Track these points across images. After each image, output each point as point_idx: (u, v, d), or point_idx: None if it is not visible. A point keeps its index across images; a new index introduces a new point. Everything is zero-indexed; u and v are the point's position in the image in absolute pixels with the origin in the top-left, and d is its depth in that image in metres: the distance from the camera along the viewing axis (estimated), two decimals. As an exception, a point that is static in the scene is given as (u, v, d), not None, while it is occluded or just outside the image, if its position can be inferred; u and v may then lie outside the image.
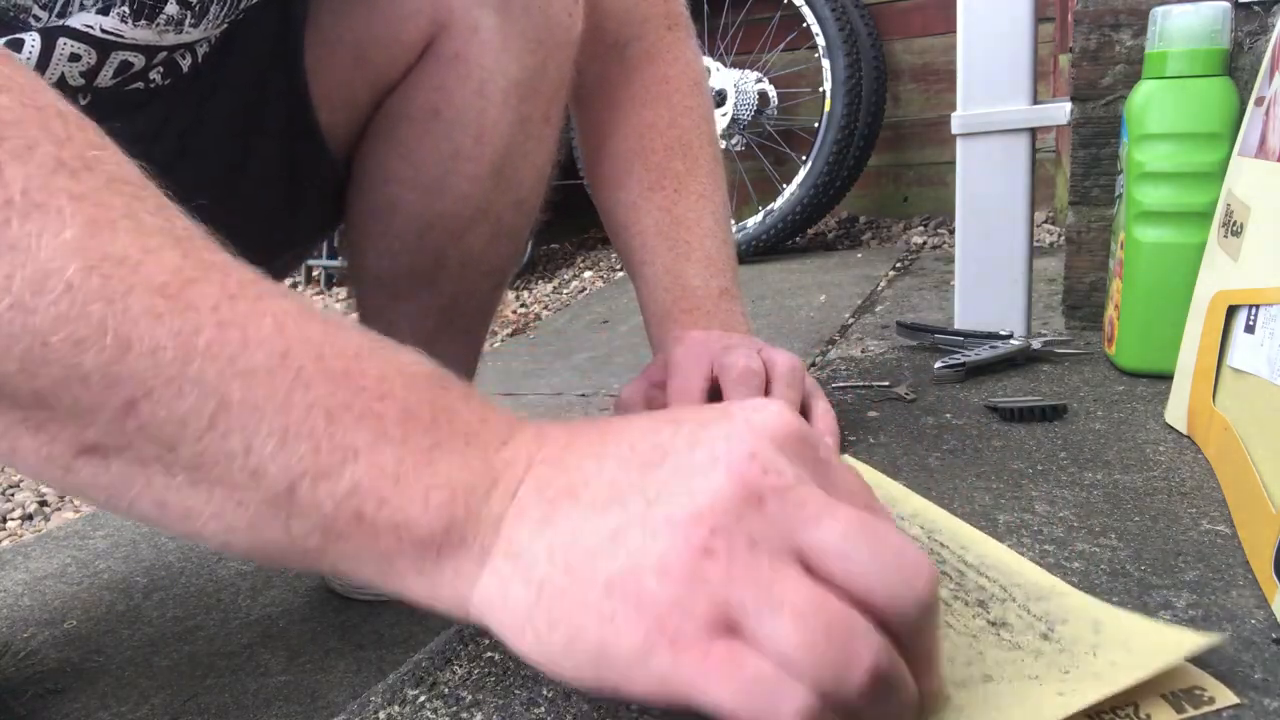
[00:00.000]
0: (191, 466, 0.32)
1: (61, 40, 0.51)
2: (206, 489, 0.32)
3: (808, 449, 0.33)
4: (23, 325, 0.30)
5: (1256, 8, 0.79)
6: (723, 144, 2.31)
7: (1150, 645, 0.35)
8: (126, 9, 0.51)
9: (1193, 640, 0.35)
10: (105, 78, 0.55)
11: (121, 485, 0.33)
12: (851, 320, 1.44)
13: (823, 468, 0.33)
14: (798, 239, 2.28)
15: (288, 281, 2.55)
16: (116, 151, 0.34)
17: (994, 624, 0.38)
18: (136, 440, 0.31)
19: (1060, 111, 0.94)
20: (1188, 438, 0.62)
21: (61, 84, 0.53)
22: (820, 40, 2.14)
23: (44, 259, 0.30)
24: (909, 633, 0.30)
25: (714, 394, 0.61)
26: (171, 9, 0.53)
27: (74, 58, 0.52)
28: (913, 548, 0.31)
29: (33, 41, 0.50)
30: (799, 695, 0.28)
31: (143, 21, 0.53)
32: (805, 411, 0.62)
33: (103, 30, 0.51)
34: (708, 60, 2.32)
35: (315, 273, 2.60)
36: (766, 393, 0.60)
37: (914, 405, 0.73)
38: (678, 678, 0.29)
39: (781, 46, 2.35)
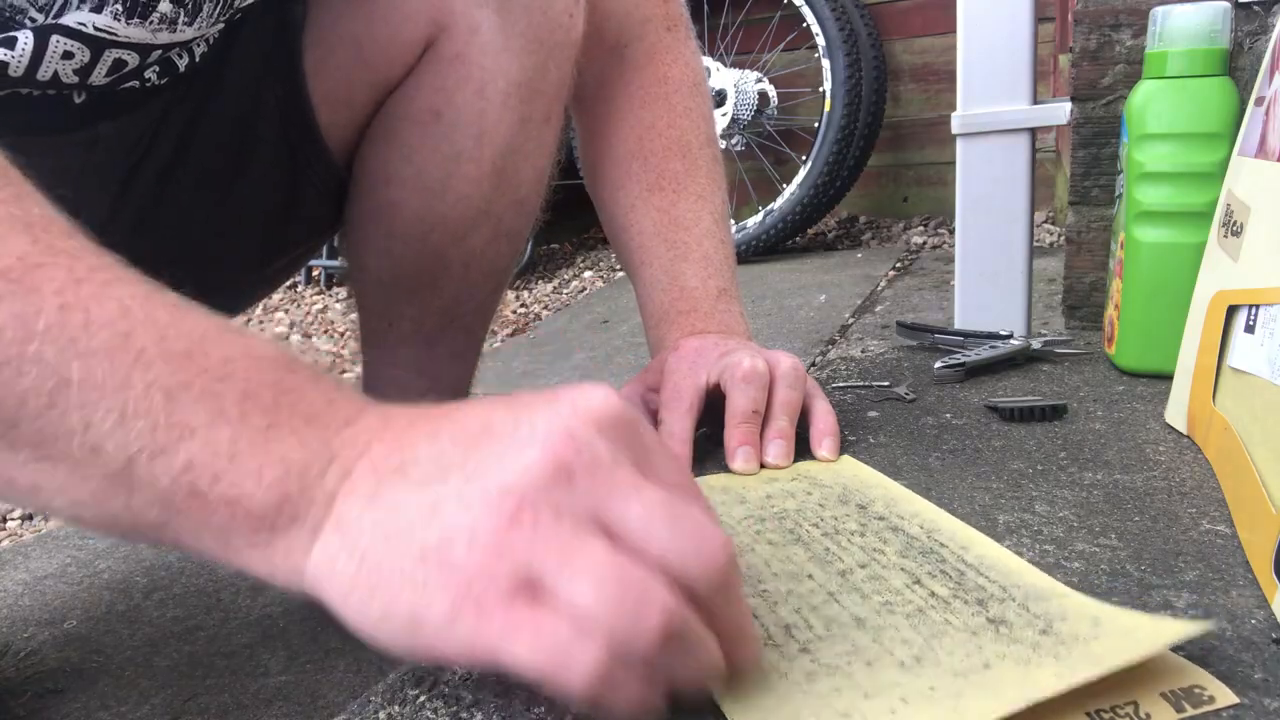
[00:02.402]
0: (34, 444, 0.33)
1: (55, 38, 0.51)
2: (50, 465, 0.33)
3: (629, 433, 0.35)
4: None
5: (1256, 8, 0.79)
6: (723, 144, 2.31)
7: (1148, 634, 0.35)
8: (119, 6, 0.51)
9: (1190, 626, 0.35)
10: (99, 76, 0.55)
11: None
12: (851, 320, 1.44)
13: (642, 451, 0.35)
14: (798, 239, 2.28)
15: (288, 282, 2.56)
16: None
17: (993, 621, 0.38)
18: None
19: (1060, 111, 0.94)
20: (1188, 438, 0.62)
21: (56, 81, 0.53)
22: (820, 40, 2.14)
23: None
24: (709, 601, 0.32)
25: (709, 401, 0.61)
26: (164, 7, 0.53)
27: (67, 55, 0.52)
28: (712, 525, 0.33)
29: (25, 39, 0.50)
30: (591, 651, 0.30)
31: (135, 19, 0.52)
32: (806, 412, 0.62)
33: (96, 28, 0.51)
34: (708, 60, 2.32)
35: (315, 273, 2.60)
36: (769, 393, 0.60)
37: (914, 405, 0.73)
38: (481, 639, 0.31)
39: (781, 46, 2.35)
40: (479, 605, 0.31)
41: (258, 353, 0.36)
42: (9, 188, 0.35)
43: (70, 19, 0.51)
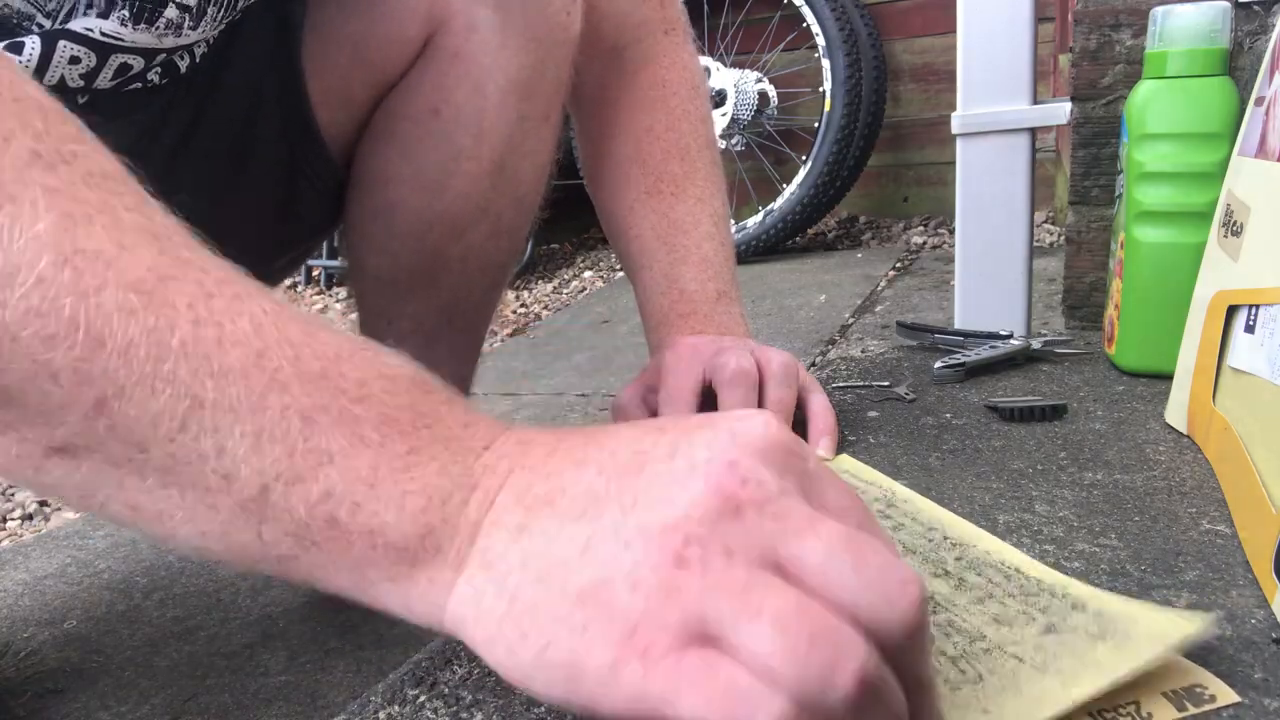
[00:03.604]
0: (163, 469, 0.31)
1: (62, 43, 0.51)
2: (179, 492, 0.31)
3: (795, 461, 0.32)
4: None
5: (1256, 8, 0.79)
6: (722, 144, 2.31)
7: (1150, 633, 0.35)
8: (126, 12, 0.51)
9: (1191, 625, 0.35)
10: (104, 80, 0.55)
11: (93, 486, 0.32)
12: (851, 320, 1.44)
13: (811, 481, 0.32)
14: (798, 239, 2.28)
15: (288, 281, 2.56)
16: (98, 147, 0.33)
17: (996, 620, 0.38)
18: (108, 440, 0.31)
19: (1060, 111, 0.94)
20: (1188, 438, 0.62)
21: (61, 86, 0.53)
22: (820, 40, 2.14)
23: (15, 251, 0.29)
24: (895, 651, 0.28)
25: (708, 397, 0.61)
26: (171, 12, 0.53)
27: (74, 60, 0.52)
28: (901, 565, 0.29)
29: (33, 44, 0.50)
30: (777, 704, 0.26)
31: (142, 25, 0.53)
32: (802, 408, 0.62)
33: (102, 34, 0.52)
34: (707, 60, 2.32)
35: (315, 273, 2.60)
36: (760, 392, 0.60)
37: (914, 405, 0.73)
38: (649, 691, 0.28)
39: (781, 46, 2.35)
40: (645, 654, 0.28)
41: (392, 373, 0.34)
42: (130, 194, 0.33)
43: (77, 24, 0.51)
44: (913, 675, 0.29)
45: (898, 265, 1.92)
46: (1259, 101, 0.61)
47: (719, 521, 0.29)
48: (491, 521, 0.32)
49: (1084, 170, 0.93)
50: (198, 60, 0.61)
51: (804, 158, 2.17)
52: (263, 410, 0.31)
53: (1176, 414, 0.64)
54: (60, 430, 0.31)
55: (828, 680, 0.26)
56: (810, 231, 2.36)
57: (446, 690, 0.39)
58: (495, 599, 0.31)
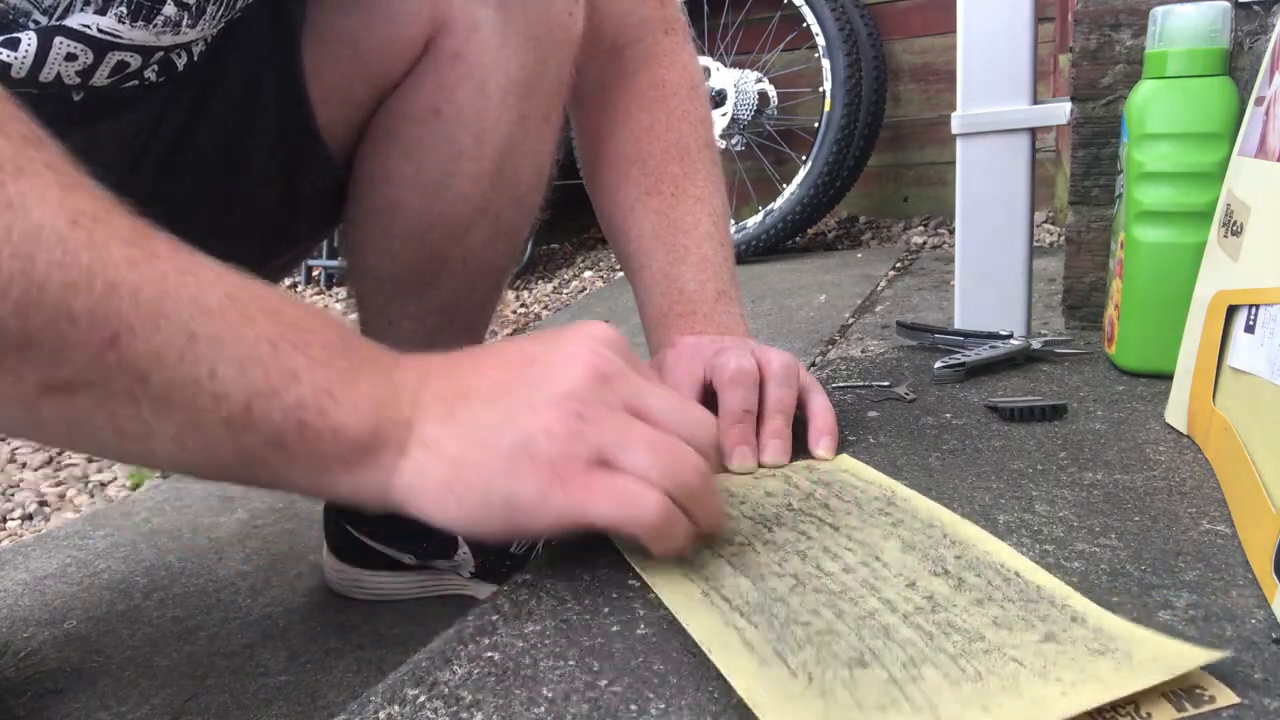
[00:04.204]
0: (159, 395, 0.37)
1: (58, 40, 0.51)
2: (169, 413, 0.37)
3: (626, 351, 0.46)
4: (21, 271, 0.34)
5: (1256, 8, 0.79)
6: (722, 144, 2.31)
7: (1153, 657, 0.35)
8: (124, 9, 0.51)
9: (1195, 656, 0.35)
10: (101, 77, 0.55)
11: (83, 418, 0.37)
12: (851, 320, 1.44)
13: (637, 364, 0.46)
14: (798, 239, 2.28)
15: (287, 281, 2.56)
16: (45, 131, 0.38)
17: (995, 623, 0.38)
18: (113, 374, 0.36)
19: (1060, 111, 0.94)
20: (1188, 438, 0.62)
21: (57, 83, 0.53)
22: (820, 40, 2.14)
23: (37, 215, 0.35)
24: (709, 460, 0.44)
25: (708, 397, 0.61)
26: (169, 10, 0.53)
27: (70, 57, 0.52)
28: (702, 409, 0.46)
29: (29, 41, 0.50)
30: (656, 496, 0.41)
31: (140, 22, 0.52)
32: (802, 408, 0.62)
33: (100, 30, 0.51)
34: (707, 60, 2.32)
35: (315, 273, 2.59)
36: (761, 391, 0.60)
37: (914, 405, 0.73)
38: (570, 505, 0.40)
39: (781, 46, 2.35)
40: (564, 481, 0.40)
41: (316, 312, 0.42)
42: (85, 172, 0.39)
43: (74, 21, 0.51)
44: (716, 469, 0.46)
45: (898, 265, 1.92)
46: (1259, 101, 0.61)
47: (596, 388, 0.42)
48: (422, 414, 0.42)
49: (1084, 170, 0.93)
50: (196, 59, 0.61)
51: (804, 158, 2.17)
52: (241, 340, 0.38)
53: (1176, 414, 0.64)
54: (65, 369, 0.35)
55: (682, 476, 0.42)
56: (810, 231, 2.36)
57: (446, 690, 0.39)
58: (439, 467, 0.41)
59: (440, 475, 0.41)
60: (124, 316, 0.36)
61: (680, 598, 0.43)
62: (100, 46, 0.52)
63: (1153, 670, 0.34)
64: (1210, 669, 0.35)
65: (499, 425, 0.41)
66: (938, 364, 0.79)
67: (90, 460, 1.50)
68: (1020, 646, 0.36)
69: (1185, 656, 0.35)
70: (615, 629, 0.43)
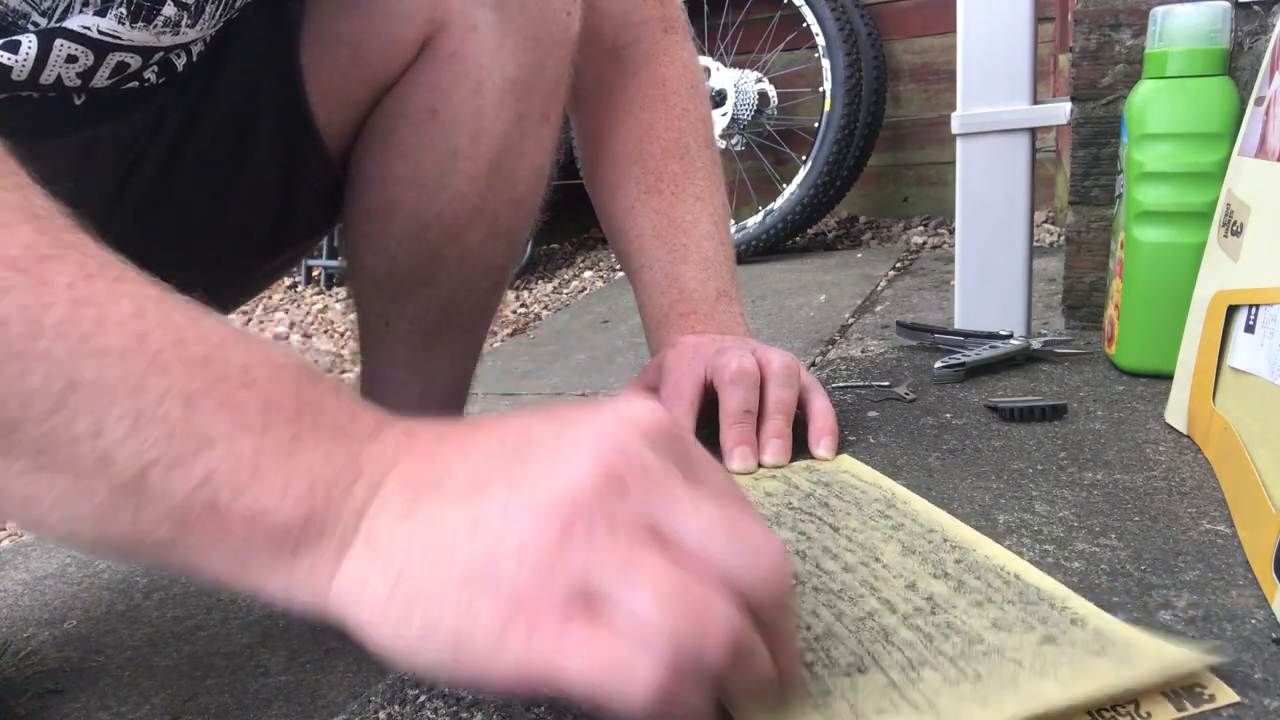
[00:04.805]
0: (35, 450, 0.30)
1: (59, 42, 0.51)
2: (50, 475, 0.31)
3: (678, 444, 0.33)
4: None
5: (1256, 8, 0.79)
6: (722, 144, 2.31)
7: (1152, 658, 0.35)
8: (124, 10, 0.51)
9: (1194, 659, 0.35)
10: (101, 78, 0.55)
11: None
12: (851, 320, 1.44)
13: (692, 464, 0.33)
14: (798, 239, 2.28)
15: (287, 281, 2.56)
16: None
17: (995, 625, 0.38)
18: None
19: (1060, 111, 0.94)
20: (1188, 438, 0.62)
21: (58, 85, 0.53)
22: (820, 40, 2.14)
23: None
24: (765, 617, 0.31)
25: (709, 397, 0.61)
26: (169, 11, 0.53)
27: (71, 59, 0.52)
28: (769, 536, 0.32)
29: (29, 43, 0.50)
30: (653, 664, 0.28)
31: (140, 23, 0.52)
32: (803, 408, 0.62)
33: (100, 32, 0.51)
34: (707, 60, 2.32)
35: (315, 273, 2.60)
36: (762, 391, 0.60)
37: (914, 405, 0.73)
38: (534, 657, 0.29)
39: (781, 46, 2.35)
40: (530, 622, 0.29)
41: (277, 361, 0.34)
42: (12, 177, 0.33)
43: (74, 23, 0.51)
44: (778, 631, 0.32)
45: (898, 265, 1.92)
46: (1259, 101, 0.61)
47: (604, 496, 0.30)
48: (378, 506, 0.32)
49: (1084, 170, 0.93)
50: (195, 59, 0.61)
51: (804, 158, 2.17)
52: (142, 392, 0.30)
53: (1176, 414, 0.64)
54: None
55: (701, 645, 0.29)
56: (810, 231, 2.36)
57: (446, 690, 0.39)
58: (380, 581, 0.31)
59: (379, 591, 0.31)
60: None
61: None
62: (100, 48, 0.52)
63: (1151, 669, 0.34)
64: (1210, 668, 0.35)
65: (461, 537, 0.31)
66: (938, 364, 0.79)
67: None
68: (1020, 649, 0.36)
69: (1184, 659, 0.35)
70: (615, 629, 0.43)
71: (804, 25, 2.19)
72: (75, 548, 0.37)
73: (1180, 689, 0.34)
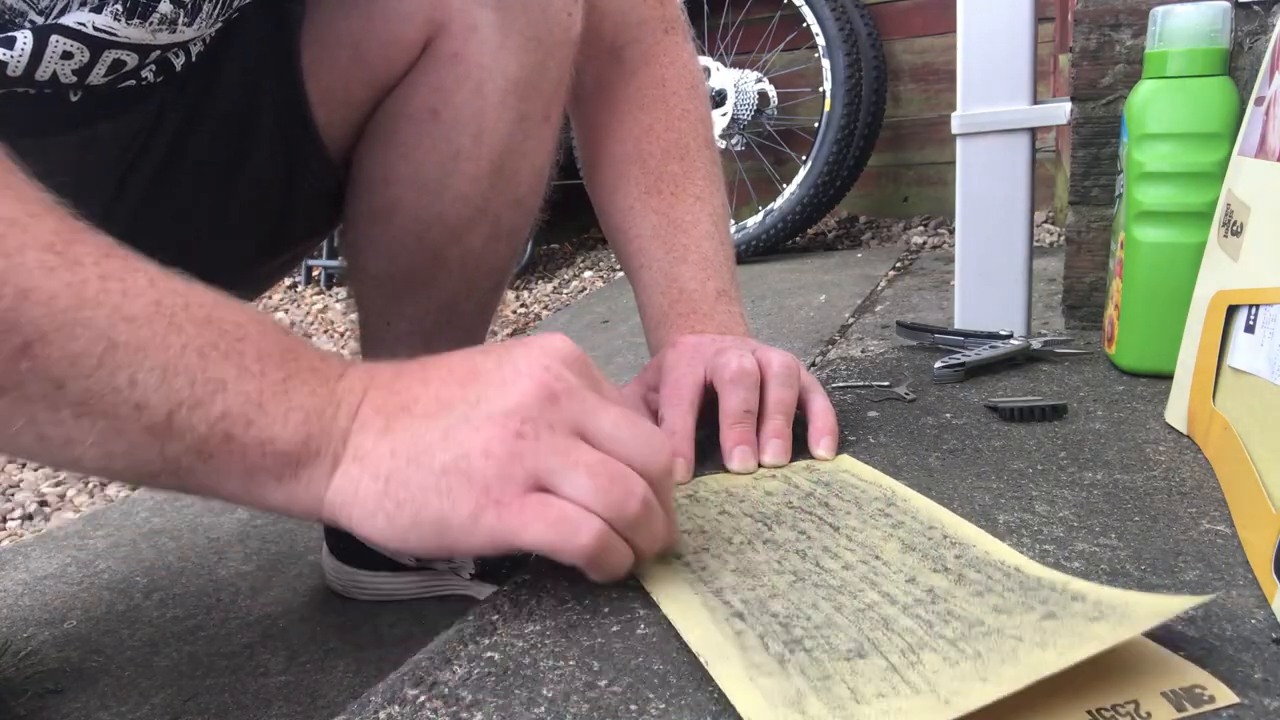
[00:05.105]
0: (78, 402, 0.36)
1: (54, 38, 0.51)
2: (90, 420, 0.37)
3: (586, 368, 0.43)
4: None
5: (1256, 8, 0.79)
6: (722, 144, 2.30)
7: (1148, 610, 0.35)
8: (119, 7, 0.51)
9: (1188, 600, 0.35)
10: (98, 75, 0.54)
11: (2, 423, 0.37)
12: (851, 320, 1.43)
13: (597, 382, 0.44)
14: (798, 239, 2.28)
15: (288, 281, 2.56)
16: None
17: (996, 610, 0.38)
18: (27, 379, 0.36)
19: (1060, 111, 0.94)
20: (1188, 438, 0.62)
21: (54, 82, 0.53)
22: (820, 40, 2.14)
23: None
24: (658, 486, 0.42)
25: (709, 397, 0.61)
26: (165, 8, 0.53)
27: (66, 55, 0.52)
28: (658, 432, 0.44)
29: (24, 39, 0.50)
30: (593, 522, 0.39)
31: (136, 20, 0.52)
32: (803, 408, 0.62)
33: (95, 28, 0.51)
34: (707, 60, 2.32)
35: (315, 273, 2.59)
36: (762, 391, 0.60)
37: (914, 405, 0.73)
38: (503, 528, 0.39)
39: (781, 46, 2.35)
40: (498, 502, 0.39)
41: (258, 319, 0.41)
42: (20, 171, 0.38)
43: (70, 19, 0.51)
44: (666, 499, 0.44)
45: (898, 265, 1.92)
46: (1259, 101, 0.61)
47: (543, 406, 0.40)
48: (359, 426, 0.41)
49: (1084, 170, 0.93)
50: (194, 59, 0.61)
51: (804, 158, 2.17)
52: (166, 348, 0.37)
53: (1176, 414, 0.64)
54: None
55: (623, 505, 0.40)
56: (810, 231, 2.36)
57: (446, 690, 0.39)
58: (371, 482, 0.40)
59: (371, 490, 0.40)
60: (37, 324, 0.35)
61: (678, 606, 0.43)
62: (96, 44, 0.52)
63: (1146, 619, 0.34)
64: (1210, 669, 0.35)
65: (436, 442, 0.39)
66: (938, 364, 0.79)
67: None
68: (1020, 626, 0.37)
69: (1177, 601, 0.35)
70: (615, 629, 0.43)
71: (804, 25, 2.18)
72: (103, 477, 0.49)
73: (1180, 690, 0.34)
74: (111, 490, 1.40)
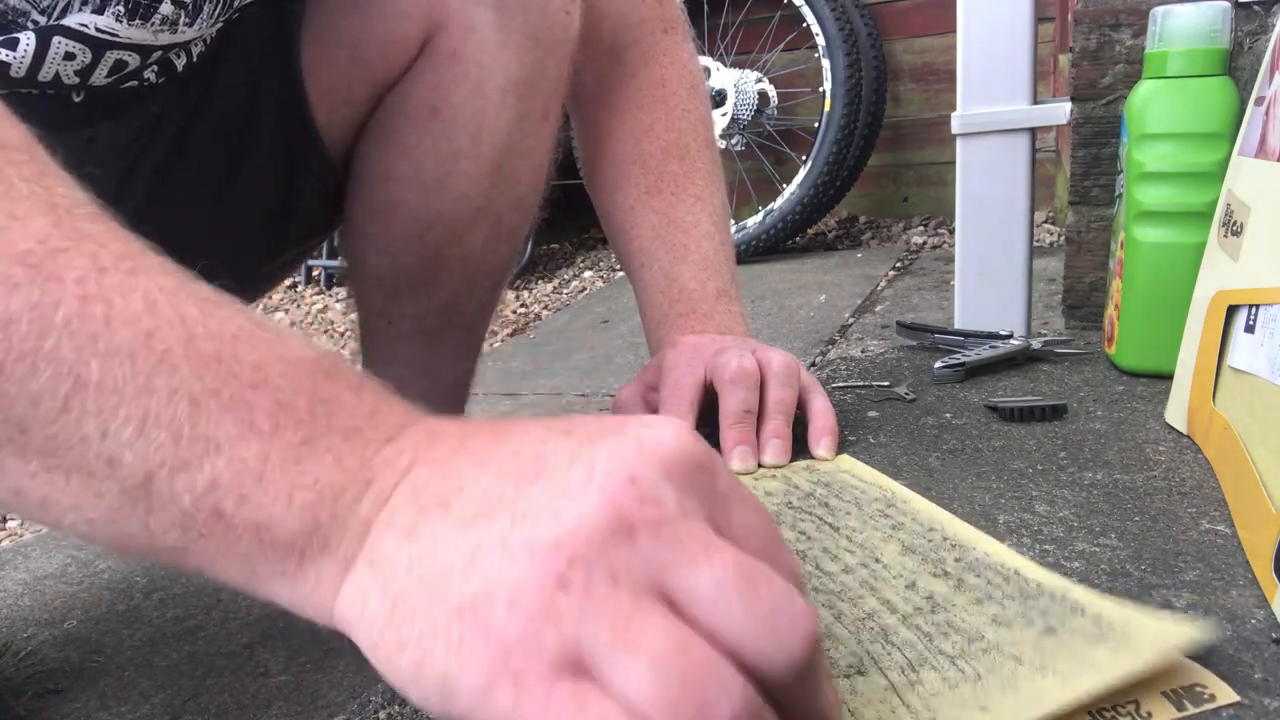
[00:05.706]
0: (45, 451, 0.30)
1: (56, 39, 0.51)
2: (63, 476, 0.30)
3: (703, 477, 0.30)
4: None
5: (1256, 8, 0.79)
6: (722, 144, 2.30)
7: (1150, 638, 0.35)
8: (121, 8, 0.51)
9: (1191, 630, 0.35)
10: (100, 76, 0.55)
11: None
12: (851, 320, 1.44)
13: (718, 500, 0.30)
14: (798, 239, 2.28)
15: (288, 281, 2.56)
16: (3, 115, 0.32)
17: (995, 621, 0.38)
18: None
19: (1060, 111, 0.94)
20: (1188, 438, 0.62)
21: (56, 82, 0.53)
22: (820, 40, 2.14)
23: None
24: (783, 692, 0.28)
25: (709, 397, 0.61)
26: (166, 9, 0.53)
27: (69, 56, 0.52)
28: (795, 598, 0.28)
29: (28, 40, 0.50)
30: None
31: (137, 21, 0.53)
32: (803, 408, 0.62)
33: (97, 29, 0.51)
34: (707, 60, 2.32)
35: (315, 273, 2.60)
36: (761, 392, 0.60)
37: (914, 405, 0.73)
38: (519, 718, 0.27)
39: (781, 46, 2.35)
40: (517, 681, 0.27)
41: (294, 356, 0.32)
42: (32, 164, 0.32)
43: (72, 20, 0.51)
44: (803, 711, 0.28)
45: (898, 265, 1.92)
46: (1259, 101, 0.61)
47: (608, 542, 0.27)
48: (384, 520, 0.31)
49: (1084, 170, 0.93)
50: (195, 59, 0.61)
51: (804, 158, 2.17)
52: (149, 393, 0.29)
53: (1176, 414, 0.64)
54: None
55: (701, 717, 0.25)
56: (810, 231, 2.36)
57: (446, 690, 0.39)
58: (379, 603, 0.30)
59: (377, 614, 0.30)
60: None
61: None
62: (98, 45, 0.52)
63: (1149, 653, 0.34)
64: (1210, 668, 0.35)
65: (458, 566, 0.28)
66: (938, 364, 0.79)
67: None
68: (1019, 643, 0.37)
69: (1180, 635, 0.35)
70: (615, 629, 0.43)
71: (804, 25, 2.18)
72: (99, 547, 0.35)
73: (1180, 689, 0.34)
74: (111, 490, 1.40)
